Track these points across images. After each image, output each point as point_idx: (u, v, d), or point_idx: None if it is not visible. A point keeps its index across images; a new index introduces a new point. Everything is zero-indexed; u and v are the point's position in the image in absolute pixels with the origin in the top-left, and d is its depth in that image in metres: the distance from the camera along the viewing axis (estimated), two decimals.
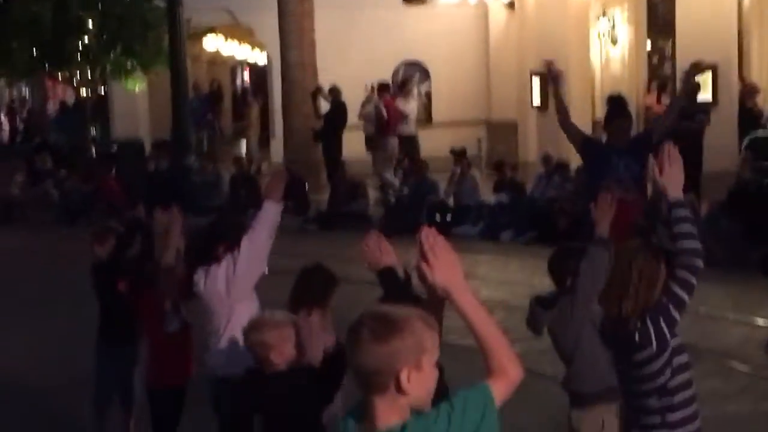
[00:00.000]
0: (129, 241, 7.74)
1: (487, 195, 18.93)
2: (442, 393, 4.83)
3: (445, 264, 3.26)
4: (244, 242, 6.17)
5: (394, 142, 22.37)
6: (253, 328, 5.45)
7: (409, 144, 22.64)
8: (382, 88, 22.60)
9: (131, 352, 7.62)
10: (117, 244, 7.70)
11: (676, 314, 4.55)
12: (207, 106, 25.43)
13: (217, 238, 6.24)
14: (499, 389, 3.27)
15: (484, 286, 13.61)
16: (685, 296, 4.56)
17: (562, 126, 9.53)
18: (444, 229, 17.87)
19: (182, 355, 6.80)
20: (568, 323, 5.68)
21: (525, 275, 14.13)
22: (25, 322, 12.48)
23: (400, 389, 3.17)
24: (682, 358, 4.66)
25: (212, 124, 25.50)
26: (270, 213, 6.29)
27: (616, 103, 9.72)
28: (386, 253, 5.08)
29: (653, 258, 4.64)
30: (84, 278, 7.93)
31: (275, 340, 5.34)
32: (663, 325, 4.53)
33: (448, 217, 18.30)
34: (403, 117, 22.51)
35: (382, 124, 22.25)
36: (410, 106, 23.04)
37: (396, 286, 5.18)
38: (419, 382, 3.19)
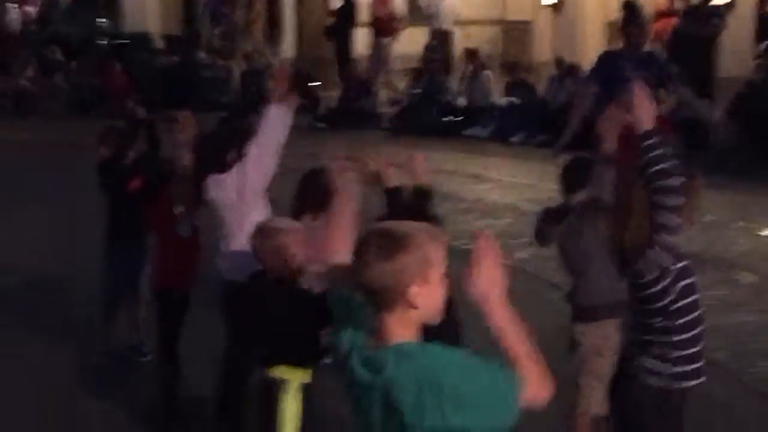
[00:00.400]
0: (131, 139, 7.70)
1: (500, 96, 18.82)
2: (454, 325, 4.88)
3: (486, 278, 3.15)
4: (252, 149, 6.13)
5: (385, 43, 22.18)
6: (258, 233, 5.43)
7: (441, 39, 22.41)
8: None
9: (139, 250, 7.64)
10: (119, 143, 7.67)
11: (668, 239, 4.52)
12: (220, 3, 25.10)
13: (225, 144, 6.17)
14: (525, 398, 3.16)
15: (494, 189, 13.62)
16: (669, 220, 4.51)
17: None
18: (454, 130, 17.88)
19: (190, 258, 6.81)
20: (576, 238, 5.64)
21: (534, 178, 14.10)
22: (35, 212, 12.58)
23: (409, 304, 3.17)
24: (687, 282, 4.65)
25: (227, 17, 25.17)
26: (274, 116, 6.19)
27: (632, 9, 9.60)
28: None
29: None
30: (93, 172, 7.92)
31: (279, 246, 5.32)
32: (657, 251, 4.51)
33: (459, 118, 18.21)
34: (396, 18, 22.44)
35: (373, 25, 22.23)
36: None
37: (402, 206, 5.22)
38: (428, 296, 3.18)
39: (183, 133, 6.69)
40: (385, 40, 22.12)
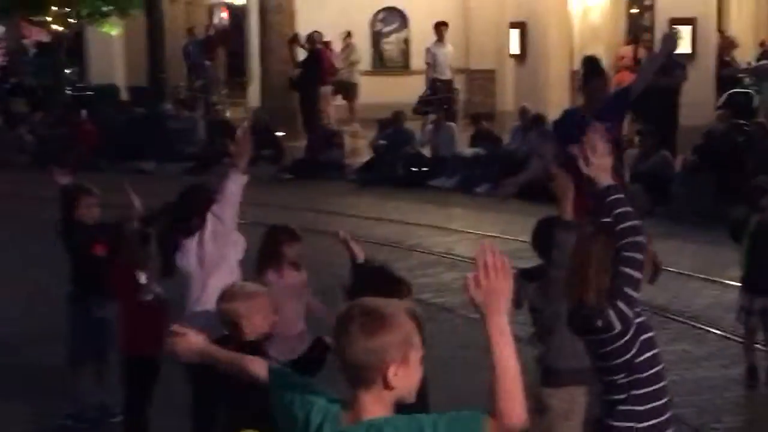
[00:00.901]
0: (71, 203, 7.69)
1: (465, 145, 18.93)
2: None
3: (493, 287, 3.16)
4: (210, 219, 6.15)
5: (325, 91, 22.62)
6: (224, 297, 5.46)
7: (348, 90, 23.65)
8: (309, 39, 22.55)
9: (103, 311, 7.60)
10: (65, 203, 7.67)
11: (631, 292, 4.58)
12: (204, 52, 25.09)
13: (189, 211, 6.20)
14: (494, 429, 3.15)
15: (460, 241, 13.67)
16: (635, 274, 4.57)
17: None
18: (420, 181, 17.96)
19: (156, 324, 6.77)
20: (545, 301, 5.67)
21: (500, 229, 14.16)
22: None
23: (386, 384, 3.19)
24: (648, 335, 4.69)
25: (209, 70, 25.17)
26: (236, 183, 6.17)
27: (591, 64, 9.68)
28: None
29: (607, 242, 4.65)
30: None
31: (245, 310, 5.35)
32: (622, 306, 4.56)
33: (425, 169, 18.29)
34: (335, 68, 23.04)
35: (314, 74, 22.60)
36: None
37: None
38: (405, 377, 3.21)
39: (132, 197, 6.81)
40: (323, 89, 22.51)
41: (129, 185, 7.12)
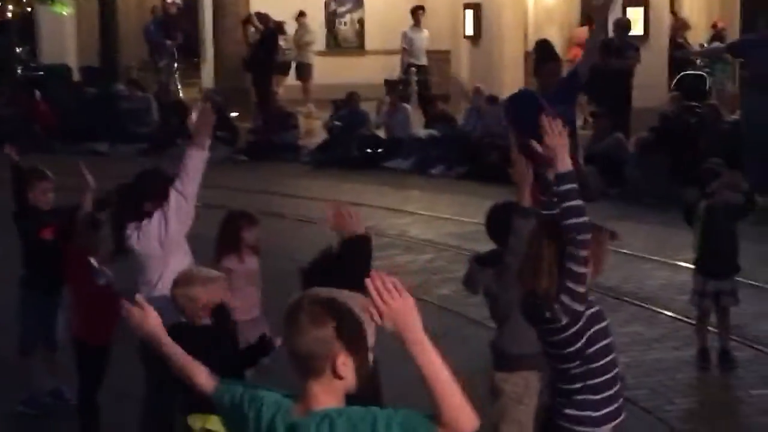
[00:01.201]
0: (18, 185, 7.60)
1: (419, 127, 18.93)
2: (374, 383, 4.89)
3: (395, 309, 3.10)
4: (173, 195, 6.11)
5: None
6: (181, 282, 5.44)
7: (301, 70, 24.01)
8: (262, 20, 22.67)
9: (54, 299, 7.53)
10: (18, 186, 7.58)
11: (577, 287, 4.59)
12: (164, 32, 24.83)
13: (145, 193, 6.15)
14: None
15: (415, 223, 13.69)
16: (580, 269, 4.58)
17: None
18: (375, 162, 17.95)
19: (107, 310, 6.71)
20: (501, 287, 5.67)
21: (455, 211, 14.20)
22: None
23: (335, 374, 3.20)
24: (600, 326, 4.72)
25: (171, 50, 24.93)
26: (196, 161, 6.17)
27: (544, 48, 9.71)
28: (355, 219, 5.10)
29: (555, 234, 4.66)
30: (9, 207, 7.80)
31: (203, 295, 5.34)
32: (566, 300, 4.58)
33: (380, 150, 18.28)
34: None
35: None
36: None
37: (363, 256, 5.20)
38: (354, 367, 3.22)
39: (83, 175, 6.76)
40: None
41: (84, 165, 7.05)
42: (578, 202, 4.60)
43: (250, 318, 7.10)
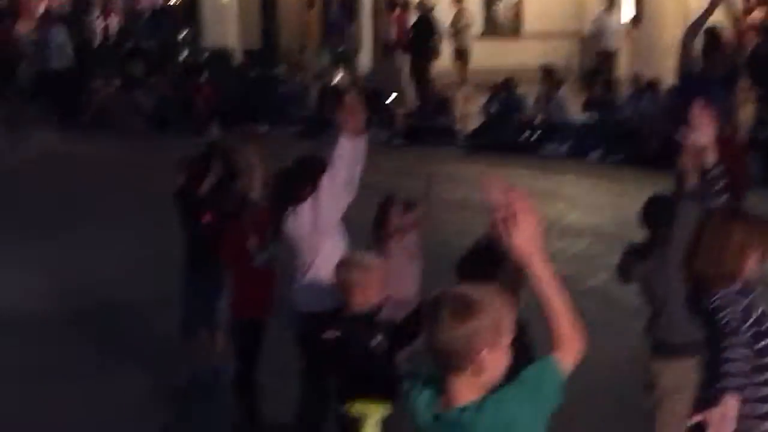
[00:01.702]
0: (204, 169, 7.78)
1: (577, 111, 18.75)
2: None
3: (525, 229, 3.22)
4: (325, 181, 6.21)
5: (401, 58, 22.75)
6: (342, 265, 5.53)
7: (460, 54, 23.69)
8: (421, 3, 22.50)
9: (216, 281, 7.70)
10: (193, 173, 7.77)
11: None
12: (345, 17, 25.01)
13: (300, 177, 6.25)
14: (567, 360, 3.32)
15: (571, 209, 13.58)
16: None
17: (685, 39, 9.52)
18: (531, 148, 17.86)
19: (266, 288, 6.88)
20: (661, 276, 5.60)
21: (612, 198, 14.06)
22: (112, 232, 12.74)
23: (477, 370, 3.22)
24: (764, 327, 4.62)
25: (351, 33, 25.11)
26: (346, 149, 6.23)
27: (711, 36, 9.57)
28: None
29: (746, 225, 4.56)
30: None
31: (360, 281, 5.40)
32: (734, 313, 4.47)
33: (536, 135, 18.17)
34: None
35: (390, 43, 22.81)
36: None
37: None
38: (495, 362, 3.24)
39: (254, 161, 6.84)
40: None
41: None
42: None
43: (410, 296, 7.17)
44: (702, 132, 4.67)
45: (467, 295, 3.27)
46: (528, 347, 4.94)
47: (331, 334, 5.40)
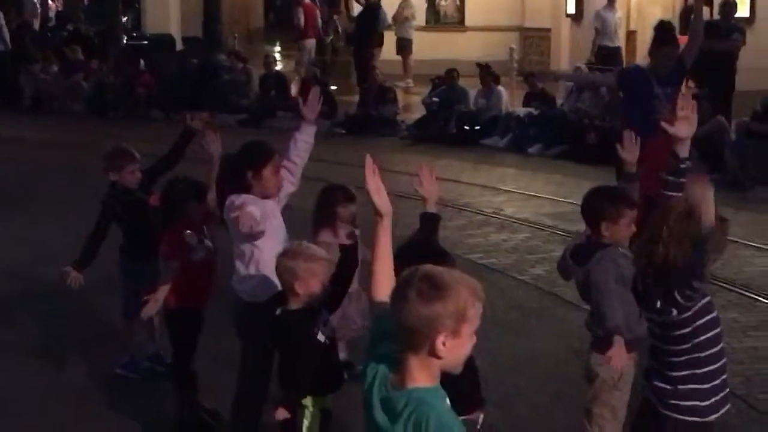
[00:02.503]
0: (169, 164, 7.77)
1: (519, 104, 18.86)
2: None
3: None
4: (284, 173, 6.27)
5: (309, 44, 23.41)
6: (286, 254, 5.50)
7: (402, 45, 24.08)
8: None
9: (154, 265, 7.64)
10: (147, 176, 7.74)
11: (696, 284, 4.56)
12: (325, 6, 24.96)
13: (246, 165, 6.20)
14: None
15: (511, 201, 13.66)
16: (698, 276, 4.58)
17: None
18: (472, 140, 17.94)
19: (205, 280, 6.82)
20: (596, 275, 5.63)
21: (551, 190, 14.15)
22: (51, 216, 12.67)
23: (433, 352, 3.25)
24: (711, 316, 4.69)
25: (334, 25, 25.02)
26: (307, 135, 6.45)
27: (663, 31, 9.63)
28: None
29: (685, 217, 4.62)
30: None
31: (303, 272, 5.38)
32: (677, 296, 4.54)
33: (477, 128, 18.25)
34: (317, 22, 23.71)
35: (299, 29, 23.29)
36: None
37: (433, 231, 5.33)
38: (454, 349, 3.26)
39: (211, 145, 6.80)
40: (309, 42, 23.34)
41: (213, 135, 7.00)
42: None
43: (352, 290, 7.18)
44: (688, 123, 4.78)
45: (437, 277, 3.28)
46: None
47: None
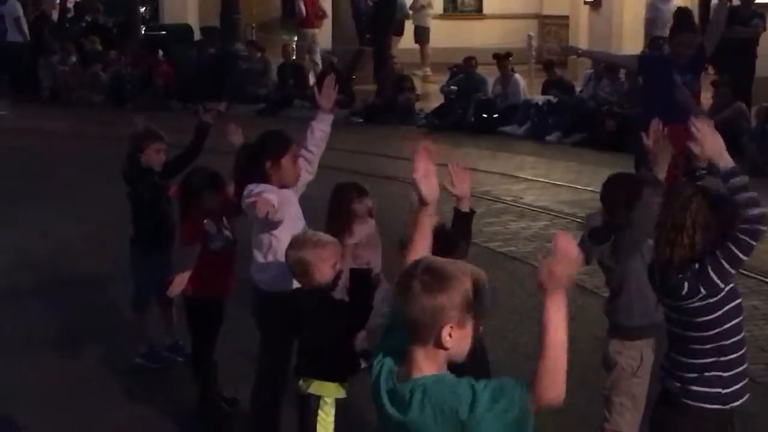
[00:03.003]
0: (189, 158, 7.74)
1: (537, 92, 18.79)
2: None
3: (562, 268, 3.20)
4: (302, 162, 6.26)
5: (310, 33, 23.31)
6: (294, 245, 5.48)
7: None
8: None
9: (166, 255, 7.64)
10: (166, 170, 7.70)
11: (728, 267, 4.51)
12: None
13: (265, 154, 6.18)
14: (531, 403, 3.20)
15: (530, 189, 13.63)
16: (741, 255, 4.50)
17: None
18: (490, 127, 17.90)
19: (224, 270, 6.80)
20: (617, 259, 5.61)
21: (570, 178, 14.10)
22: (70, 206, 12.70)
23: (440, 344, 3.23)
24: (736, 303, 4.65)
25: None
26: (324, 124, 6.43)
27: (682, 17, 9.58)
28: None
29: (707, 205, 4.57)
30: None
31: (314, 259, 5.37)
32: (713, 275, 4.49)
33: (495, 115, 18.21)
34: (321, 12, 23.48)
35: (300, 17, 23.33)
36: None
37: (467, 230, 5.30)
38: (459, 339, 3.25)
39: (233, 137, 6.82)
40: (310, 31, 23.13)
41: (233, 126, 7.04)
42: (750, 192, 4.54)
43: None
44: (707, 142, 4.64)
45: (441, 269, 3.27)
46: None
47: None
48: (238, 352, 7.35)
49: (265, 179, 6.07)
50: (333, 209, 7.30)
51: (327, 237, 5.54)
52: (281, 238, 5.98)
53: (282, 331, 5.86)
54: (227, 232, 6.74)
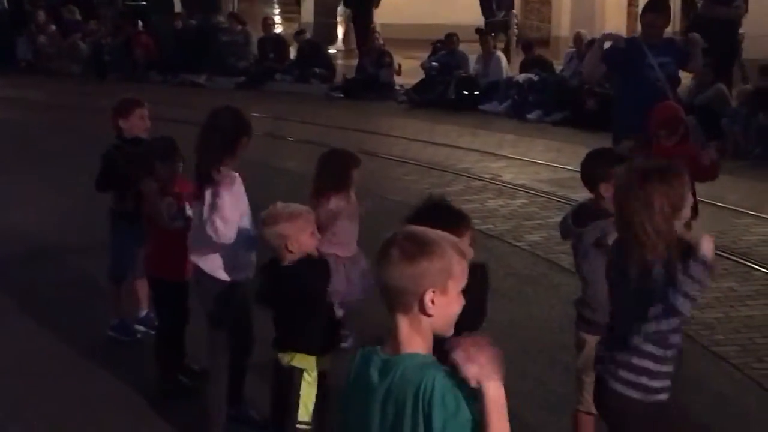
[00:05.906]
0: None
1: (517, 70, 18.76)
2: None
3: (478, 357, 3.11)
4: None
5: None
6: (268, 220, 5.43)
7: None
8: None
9: (140, 229, 7.56)
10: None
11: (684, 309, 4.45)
12: None
13: (227, 137, 6.05)
14: None
15: (508, 167, 13.61)
16: (696, 294, 4.44)
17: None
18: (471, 105, 17.87)
19: (183, 251, 6.63)
20: (585, 252, 5.58)
21: (549, 157, 14.10)
22: (47, 176, 12.64)
23: (423, 310, 3.20)
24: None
25: None
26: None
27: None
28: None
29: (676, 182, 4.46)
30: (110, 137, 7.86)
31: (290, 231, 5.34)
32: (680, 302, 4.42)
33: (476, 93, 18.18)
34: None
35: None
36: None
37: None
38: (443, 306, 3.21)
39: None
40: None
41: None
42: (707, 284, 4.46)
43: (351, 254, 7.13)
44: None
45: (419, 236, 3.24)
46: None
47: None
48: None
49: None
50: (331, 174, 7.14)
51: (299, 206, 5.50)
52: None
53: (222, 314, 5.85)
54: (189, 213, 6.58)
